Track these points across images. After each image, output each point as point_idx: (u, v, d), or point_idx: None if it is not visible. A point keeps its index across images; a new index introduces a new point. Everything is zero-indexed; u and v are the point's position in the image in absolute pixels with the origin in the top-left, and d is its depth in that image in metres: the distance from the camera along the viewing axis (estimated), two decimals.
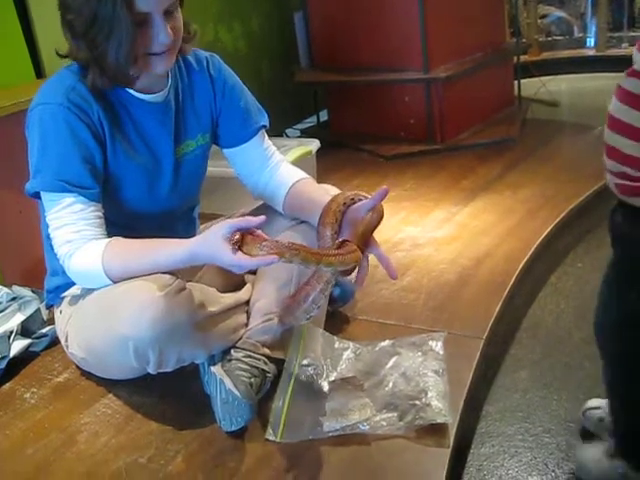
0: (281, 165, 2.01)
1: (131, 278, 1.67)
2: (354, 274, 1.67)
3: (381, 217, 1.72)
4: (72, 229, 1.69)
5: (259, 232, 1.54)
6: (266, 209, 2.01)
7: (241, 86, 2.00)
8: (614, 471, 1.66)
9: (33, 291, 2.31)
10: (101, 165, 1.75)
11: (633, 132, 1.38)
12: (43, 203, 1.75)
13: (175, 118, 1.87)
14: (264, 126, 2.02)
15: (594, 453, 1.71)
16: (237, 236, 1.51)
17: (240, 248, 1.50)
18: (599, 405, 1.86)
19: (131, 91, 1.78)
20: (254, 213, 2.08)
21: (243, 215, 1.88)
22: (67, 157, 1.69)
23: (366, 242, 1.68)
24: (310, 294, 1.67)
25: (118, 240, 1.71)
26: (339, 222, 1.72)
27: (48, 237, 1.89)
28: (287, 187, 1.95)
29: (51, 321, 2.15)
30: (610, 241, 1.53)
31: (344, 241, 1.61)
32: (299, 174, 1.99)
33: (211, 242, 1.54)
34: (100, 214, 1.74)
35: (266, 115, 2.03)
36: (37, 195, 1.75)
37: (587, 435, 1.85)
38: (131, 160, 1.80)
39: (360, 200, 1.75)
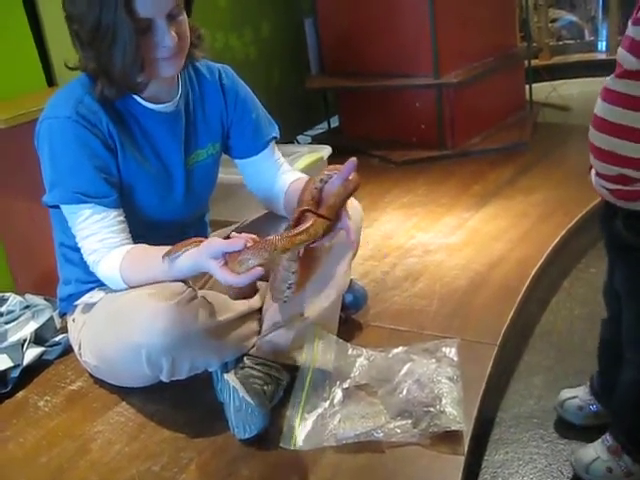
0: (287, 174, 2.02)
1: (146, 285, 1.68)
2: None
3: (355, 186, 1.68)
4: (96, 238, 1.73)
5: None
6: (270, 216, 2.04)
7: (253, 98, 2.01)
8: (617, 468, 1.66)
9: (46, 299, 2.32)
10: (115, 172, 1.76)
11: (633, 134, 1.38)
12: (65, 214, 1.76)
13: (186, 128, 1.88)
14: (275, 137, 2.02)
15: (593, 452, 1.70)
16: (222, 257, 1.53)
17: (226, 264, 1.52)
18: (575, 395, 1.89)
19: (141, 101, 1.78)
20: (259, 221, 2.09)
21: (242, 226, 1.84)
22: (79, 169, 1.70)
23: (338, 212, 1.63)
24: (276, 275, 1.68)
25: (134, 249, 1.73)
26: (315, 200, 1.69)
27: (61, 245, 1.91)
28: (285, 189, 1.96)
29: (64, 329, 2.15)
30: (613, 253, 1.53)
31: (303, 211, 1.60)
32: (295, 175, 2.00)
33: (203, 260, 1.55)
34: (121, 219, 1.76)
35: (276, 126, 2.04)
36: (55, 206, 1.76)
37: (566, 426, 1.88)
38: (142, 169, 1.81)
39: (329, 178, 1.71)
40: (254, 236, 1.55)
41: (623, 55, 1.39)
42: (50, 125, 1.72)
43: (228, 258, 1.52)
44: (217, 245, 1.54)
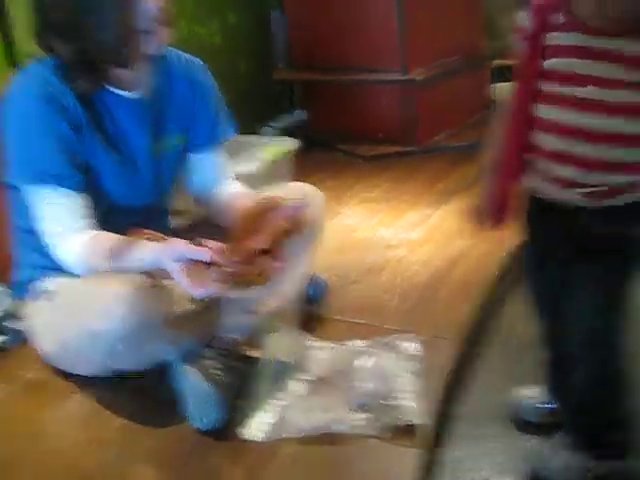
0: (227, 181, 2.02)
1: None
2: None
3: (295, 229, 1.67)
4: (57, 221, 1.69)
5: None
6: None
7: (218, 95, 2.00)
8: (574, 464, 1.68)
9: (3, 286, 2.27)
10: (81, 154, 1.73)
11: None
12: (25, 196, 1.72)
13: (154, 117, 1.86)
14: (228, 139, 2.03)
15: (551, 448, 1.72)
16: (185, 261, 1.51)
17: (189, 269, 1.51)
18: (532, 394, 1.90)
19: (110, 87, 1.75)
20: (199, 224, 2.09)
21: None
22: (44, 149, 1.67)
23: (274, 250, 1.62)
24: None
25: (99, 236, 1.70)
26: (250, 231, 1.69)
27: (17, 229, 1.87)
28: (221, 198, 1.96)
29: (21, 316, 2.12)
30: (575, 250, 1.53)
31: (264, 251, 1.59)
32: (237, 187, 2.00)
33: (165, 260, 1.54)
34: (84, 202, 1.73)
35: (234, 128, 2.05)
36: (15, 186, 1.73)
37: (523, 422, 1.89)
38: (108, 154, 1.79)
39: (277, 205, 1.71)
40: (219, 244, 1.54)
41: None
42: (17, 103, 1.69)
43: (190, 265, 1.50)
44: (181, 249, 1.53)
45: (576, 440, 1.69)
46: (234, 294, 1.65)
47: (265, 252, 1.59)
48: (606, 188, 1.42)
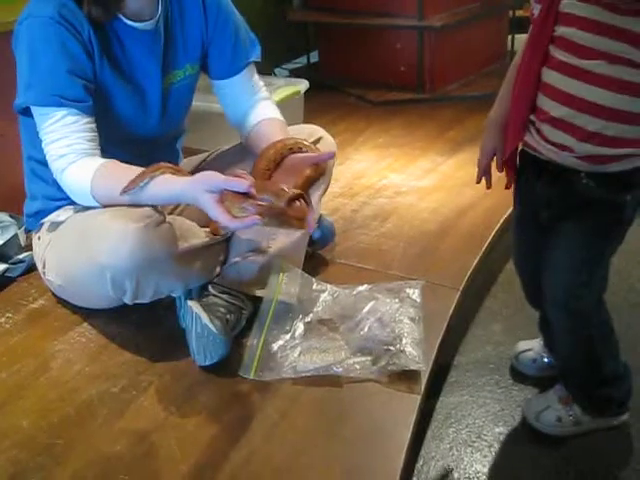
0: (261, 102, 1.99)
1: (116, 205, 1.65)
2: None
3: (322, 174, 1.71)
4: (65, 142, 1.66)
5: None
6: (241, 149, 2.02)
7: (236, 16, 1.96)
8: (567, 417, 1.70)
9: (11, 216, 2.28)
10: (92, 79, 1.71)
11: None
12: (35, 119, 1.70)
13: (164, 47, 1.83)
14: (255, 60, 1.99)
15: (544, 400, 1.75)
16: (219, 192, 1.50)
17: (222, 202, 1.49)
18: (530, 347, 1.94)
19: (122, 17, 1.73)
20: (230, 152, 2.08)
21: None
22: (59, 70, 1.65)
23: (306, 197, 1.63)
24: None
25: (110, 164, 1.67)
26: (271, 170, 1.70)
27: (29, 159, 1.87)
28: (252, 124, 1.94)
29: (29, 247, 2.13)
30: (568, 211, 1.54)
31: (300, 196, 1.59)
32: (269, 113, 1.97)
33: (195, 190, 1.52)
34: (94, 127, 1.71)
35: (258, 49, 2.00)
36: (25, 112, 1.72)
37: (520, 373, 1.94)
38: (118, 83, 1.77)
39: (300, 150, 1.73)
40: (252, 179, 1.53)
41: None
42: (31, 25, 1.66)
43: (226, 196, 1.49)
44: (217, 179, 1.51)
45: (570, 394, 1.71)
46: (268, 229, 1.63)
47: (299, 197, 1.59)
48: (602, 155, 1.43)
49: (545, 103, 1.46)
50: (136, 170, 1.64)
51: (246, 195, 1.48)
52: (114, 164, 1.68)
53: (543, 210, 1.58)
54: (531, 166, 1.57)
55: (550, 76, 1.43)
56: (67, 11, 1.65)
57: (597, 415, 1.72)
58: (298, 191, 1.59)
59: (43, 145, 1.70)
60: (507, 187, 1.68)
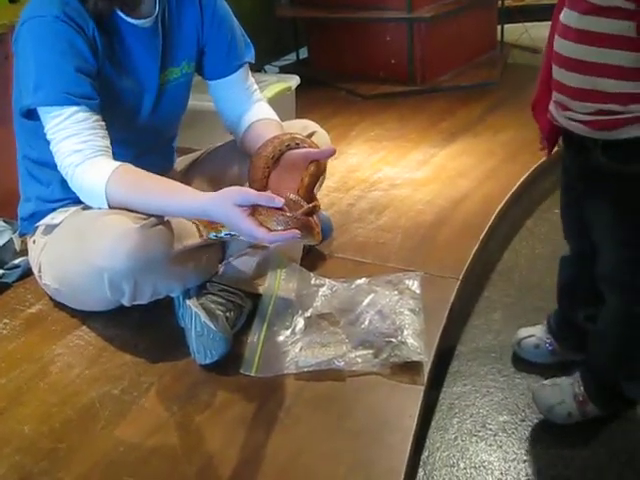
0: (256, 104, 1.98)
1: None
2: None
3: (323, 171, 1.70)
4: (79, 139, 1.63)
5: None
6: (234, 146, 2.01)
7: (231, 17, 1.96)
8: (578, 414, 1.69)
9: (5, 221, 2.27)
10: (96, 77, 1.70)
11: (613, 71, 1.37)
12: (42, 119, 1.67)
13: (162, 45, 1.82)
14: (249, 62, 1.99)
15: (559, 394, 1.73)
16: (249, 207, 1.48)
17: (254, 217, 1.48)
18: (532, 333, 1.92)
19: (122, 15, 1.72)
20: (223, 149, 2.08)
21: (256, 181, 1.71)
22: (68, 68, 1.63)
23: (310, 194, 1.63)
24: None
25: (130, 167, 1.65)
26: (270, 169, 1.68)
27: (25, 159, 1.85)
28: (247, 125, 1.92)
29: (24, 252, 2.12)
30: (589, 187, 1.53)
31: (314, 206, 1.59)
32: (265, 114, 1.95)
33: (225, 205, 1.50)
34: (104, 125, 1.69)
35: (253, 50, 2.00)
36: (30, 114, 1.69)
37: (523, 361, 1.92)
38: (118, 82, 1.76)
39: (297, 145, 1.71)
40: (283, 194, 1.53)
41: None
42: (35, 25, 1.64)
43: (258, 211, 1.48)
44: (249, 194, 1.50)
45: (588, 394, 1.68)
46: (298, 243, 1.64)
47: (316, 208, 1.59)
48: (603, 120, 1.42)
49: (554, 70, 1.47)
50: (155, 178, 1.64)
51: (278, 210, 1.48)
52: (133, 169, 1.65)
53: (577, 183, 1.59)
54: (563, 138, 1.59)
55: (556, 42, 1.45)
56: (71, 9, 1.64)
57: (611, 415, 1.71)
58: (318, 203, 1.60)
59: (52, 144, 1.66)
60: (547, 156, 1.72)
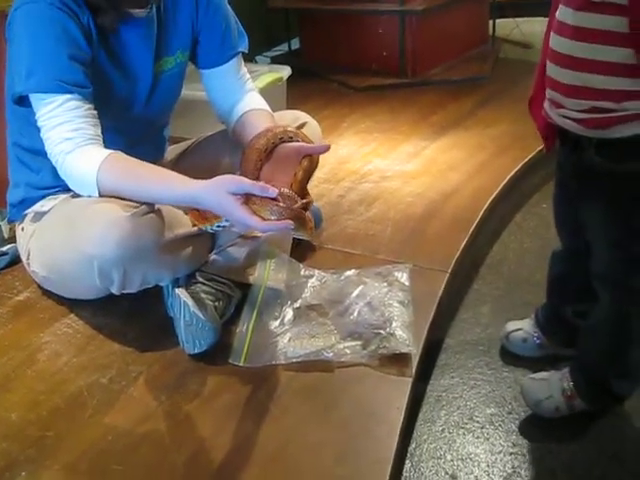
0: (249, 94, 1.98)
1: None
2: None
3: (316, 166, 1.70)
4: (70, 127, 1.62)
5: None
6: (225, 135, 2.01)
7: (226, 6, 1.95)
8: (565, 408, 1.69)
9: None
10: (90, 65, 1.69)
11: (605, 67, 1.37)
12: (34, 106, 1.66)
13: (157, 34, 1.82)
14: (242, 52, 1.98)
15: (547, 389, 1.73)
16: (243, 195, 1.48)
17: (248, 205, 1.48)
18: (520, 327, 1.92)
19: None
20: (214, 138, 2.07)
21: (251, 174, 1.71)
22: (61, 56, 1.62)
23: (303, 189, 1.64)
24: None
25: (121, 155, 1.65)
26: (263, 161, 1.69)
27: (14, 145, 1.84)
28: (239, 115, 1.92)
29: (12, 239, 2.11)
30: (583, 185, 1.53)
31: (306, 204, 1.59)
32: (256, 104, 1.95)
33: (218, 193, 1.50)
34: (96, 114, 1.68)
35: (246, 40, 2.00)
36: (21, 101, 1.68)
37: (510, 354, 1.92)
38: (111, 71, 1.76)
39: (290, 138, 1.71)
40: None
41: None
42: (29, 10, 1.62)
43: (252, 200, 1.48)
44: (243, 182, 1.50)
45: (577, 390, 1.69)
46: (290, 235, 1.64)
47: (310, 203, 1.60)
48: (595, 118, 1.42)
49: (548, 67, 1.47)
50: (147, 166, 1.64)
51: (272, 200, 1.48)
52: (123, 156, 1.65)
53: (571, 180, 1.59)
54: (558, 135, 1.58)
55: (551, 39, 1.45)
56: None
57: (599, 410, 1.72)
58: (311, 198, 1.61)
59: (43, 132, 1.65)
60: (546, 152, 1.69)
